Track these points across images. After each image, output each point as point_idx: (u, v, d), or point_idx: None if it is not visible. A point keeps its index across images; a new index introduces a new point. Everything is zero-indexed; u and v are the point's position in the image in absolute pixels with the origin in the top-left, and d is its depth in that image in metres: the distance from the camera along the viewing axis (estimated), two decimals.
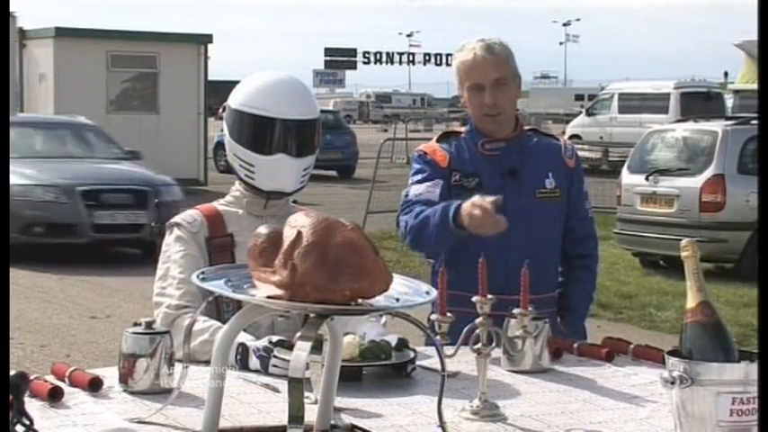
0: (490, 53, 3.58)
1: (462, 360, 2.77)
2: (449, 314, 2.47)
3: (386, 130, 41.67)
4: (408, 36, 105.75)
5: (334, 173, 25.89)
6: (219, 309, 3.10)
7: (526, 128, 3.78)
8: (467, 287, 2.76)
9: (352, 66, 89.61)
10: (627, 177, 13.18)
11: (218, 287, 2.15)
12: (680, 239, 2.22)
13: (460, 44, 3.67)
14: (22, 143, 14.95)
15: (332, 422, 2.26)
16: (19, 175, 13.36)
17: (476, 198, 3.33)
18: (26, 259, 12.25)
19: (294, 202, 3.43)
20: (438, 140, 3.73)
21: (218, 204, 3.34)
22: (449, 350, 2.43)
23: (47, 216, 13.44)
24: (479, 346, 2.48)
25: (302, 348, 2.03)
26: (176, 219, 3.27)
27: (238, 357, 2.80)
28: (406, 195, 3.66)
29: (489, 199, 3.29)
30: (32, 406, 2.27)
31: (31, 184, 13.53)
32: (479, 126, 3.66)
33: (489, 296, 2.50)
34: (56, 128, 16.15)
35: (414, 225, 3.54)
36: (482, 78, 3.58)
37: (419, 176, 3.65)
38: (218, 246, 3.22)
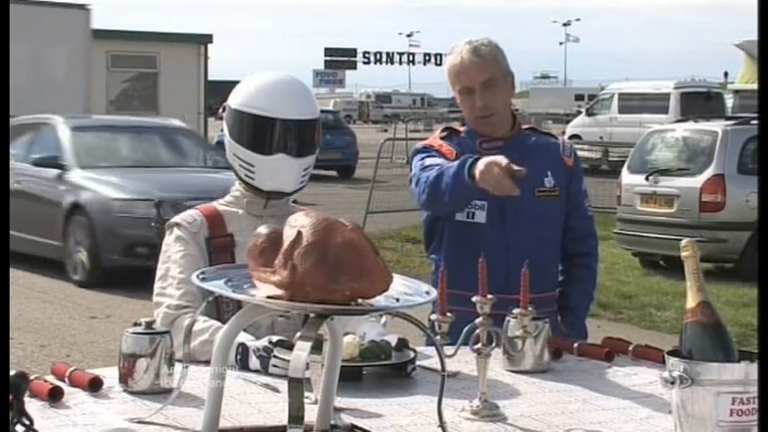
0: (476, 56, 3.57)
1: (462, 360, 2.77)
2: (449, 314, 2.47)
3: (386, 130, 41.71)
4: (408, 36, 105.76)
5: (334, 173, 25.89)
6: (219, 309, 3.10)
7: (524, 126, 3.77)
8: (467, 287, 2.76)
9: (352, 66, 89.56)
10: (627, 177, 13.18)
11: (218, 287, 2.15)
12: (680, 239, 2.22)
13: (451, 47, 3.67)
14: (106, 149, 13.32)
15: (332, 422, 2.26)
16: (111, 186, 11.97)
17: (498, 157, 3.28)
18: (130, 284, 10.84)
19: (294, 202, 3.43)
20: (441, 138, 3.72)
21: (218, 204, 3.34)
22: (449, 350, 2.43)
23: (152, 236, 11.05)
24: (479, 346, 2.48)
25: (302, 348, 2.03)
26: (176, 219, 3.27)
27: (238, 357, 2.80)
28: (423, 166, 3.57)
29: (513, 166, 3.23)
30: (32, 406, 2.27)
31: (133, 198, 11.64)
32: (475, 128, 3.66)
33: (489, 296, 2.50)
34: (144, 131, 14.12)
35: (431, 179, 3.45)
36: (470, 81, 3.57)
37: (429, 161, 3.57)
38: (218, 246, 3.22)
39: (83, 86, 18.10)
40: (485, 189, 3.31)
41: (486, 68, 3.57)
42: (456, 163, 3.40)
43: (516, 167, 3.22)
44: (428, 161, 3.57)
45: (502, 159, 3.24)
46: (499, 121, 3.64)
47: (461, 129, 3.74)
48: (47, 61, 17.13)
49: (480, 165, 3.27)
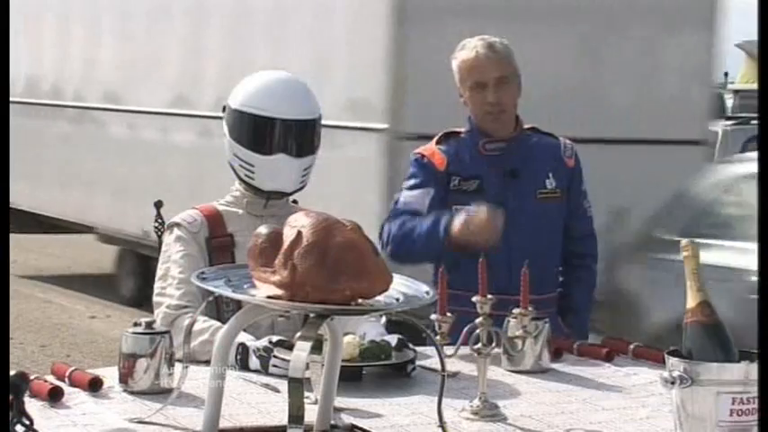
0: (492, 51, 3.59)
1: (462, 360, 2.77)
2: (449, 314, 2.47)
3: None
4: None
5: None
6: (219, 309, 3.10)
7: (526, 126, 3.77)
8: (467, 287, 2.76)
9: None
10: None
11: (218, 287, 2.15)
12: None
13: (461, 43, 3.67)
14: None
15: (332, 422, 2.26)
16: None
17: (474, 207, 3.39)
18: None
19: (294, 202, 3.43)
20: (437, 142, 3.72)
21: (218, 204, 3.34)
22: (449, 350, 2.43)
23: None
24: (479, 346, 2.48)
25: (302, 348, 2.03)
26: (176, 219, 3.27)
27: (238, 357, 2.80)
28: (396, 203, 3.67)
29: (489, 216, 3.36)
30: (32, 406, 2.26)
31: None
32: (481, 125, 3.65)
33: (489, 296, 2.50)
34: None
35: (396, 234, 3.55)
36: (484, 76, 3.58)
37: (412, 182, 3.65)
38: (217, 246, 3.22)
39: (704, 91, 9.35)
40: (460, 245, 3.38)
41: (500, 65, 3.59)
42: (429, 220, 3.49)
43: (495, 216, 3.36)
44: (402, 198, 3.64)
45: (480, 209, 3.37)
46: (506, 120, 3.64)
47: (461, 130, 3.74)
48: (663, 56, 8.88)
49: (460, 220, 3.39)
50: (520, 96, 3.71)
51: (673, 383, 2.09)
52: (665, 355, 2.14)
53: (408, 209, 3.59)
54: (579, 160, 3.79)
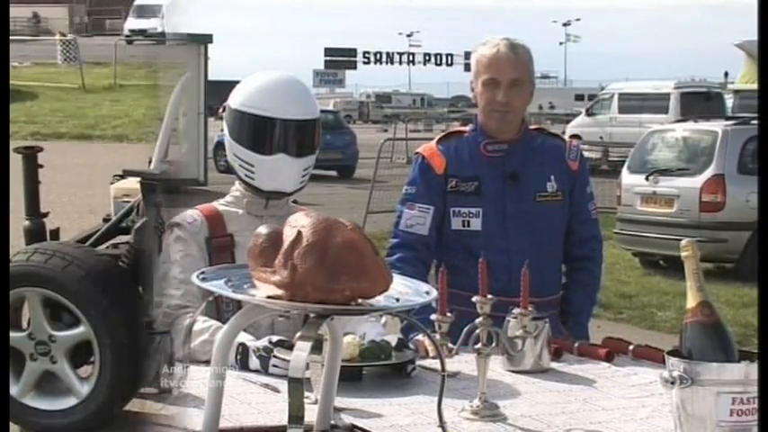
0: (513, 52, 3.60)
1: (462, 360, 2.77)
2: (449, 314, 2.47)
3: (386, 130, 41.59)
4: (408, 36, 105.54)
5: (334, 173, 25.86)
6: (219, 309, 3.10)
7: (532, 127, 3.76)
8: (467, 288, 2.75)
9: (352, 66, 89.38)
10: (627, 177, 13.18)
11: (218, 287, 2.15)
12: (680, 239, 2.22)
13: (484, 39, 3.67)
14: None
15: (332, 422, 2.26)
16: None
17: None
18: None
19: (294, 202, 3.43)
20: (438, 141, 3.72)
21: (219, 204, 3.34)
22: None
23: None
24: (479, 346, 2.48)
25: (302, 348, 2.03)
26: (176, 219, 3.27)
27: (238, 357, 2.80)
28: (399, 216, 3.66)
29: None
30: None
31: None
32: (485, 123, 3.65)
33: (489, 296, 2.50)
34: None
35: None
36: (500, 75, 3.58)
37: (413, 190, 3.66)
38: (217, 246, 3.22)
39: None
40: None
41: (518, 67, 3.59)
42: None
43: None
44: (404, 217, 3.64)
45: None
46: (512, 121, 3.64)
47: (465, 129, 3.74)
48: None
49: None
50: (530, 103, 3.72)
51: (673, 383, 2.09)
52: (665, 355, 2.14)
53: (412, 233, 3.60)
54: (585, 163, 3.79)
